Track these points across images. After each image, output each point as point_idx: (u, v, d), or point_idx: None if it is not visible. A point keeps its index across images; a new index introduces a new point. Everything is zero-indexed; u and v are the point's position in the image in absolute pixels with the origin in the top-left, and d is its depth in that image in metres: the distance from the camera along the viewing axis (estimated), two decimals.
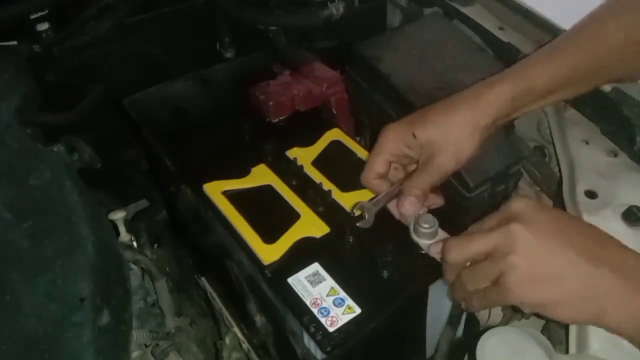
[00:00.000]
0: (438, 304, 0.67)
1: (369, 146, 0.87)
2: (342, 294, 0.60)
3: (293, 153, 0.77)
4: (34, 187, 0.73)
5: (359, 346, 0.58)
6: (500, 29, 0.87)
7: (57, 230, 0.69)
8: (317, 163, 0.76)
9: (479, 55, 0.84)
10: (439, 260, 0.56)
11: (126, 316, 0.70)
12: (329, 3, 0.92)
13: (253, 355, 0.87)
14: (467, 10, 0.90)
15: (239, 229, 0.67)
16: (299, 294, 0.60)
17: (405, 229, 0.62)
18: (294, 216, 0.68)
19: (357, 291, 0.60)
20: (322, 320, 0.57)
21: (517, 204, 0.51)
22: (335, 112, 0.86)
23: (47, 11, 0.94)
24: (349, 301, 0.59)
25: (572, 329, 0.56)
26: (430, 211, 0.62)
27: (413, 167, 0.66)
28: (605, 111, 0.71)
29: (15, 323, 0.60)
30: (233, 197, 0.71)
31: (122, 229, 0.92)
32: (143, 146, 0.93)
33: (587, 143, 0.72)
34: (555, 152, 0.75)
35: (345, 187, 0.72)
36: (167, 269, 0.96)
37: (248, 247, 0.65)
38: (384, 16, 1.08)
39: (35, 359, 0.59)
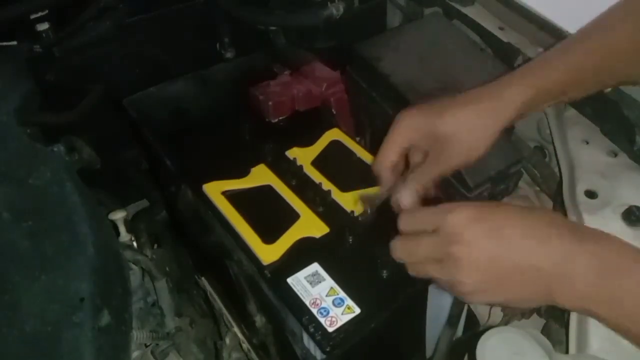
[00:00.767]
0: (438, 304, 0.67)
1: (369, 146, 0.87)
2: (342, 294, 0.60)
3: (293, 153, 0.77)
4: (34, 187, 0.73)
5: (359, 346, 0.58)
6: (500, 29, 0.87)
7: (57, 230, 0.69)
8: (317, 163, 0.76)
9: (479, 55, 0.84)
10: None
11: (126, 316, 0.70)
12: (329, 3, 0.92)
13: (253, 355, 0.87)
14: (467, 10, 0.90)
15: (238, 229, 0.67)
16: (298, 294, 0.60)
17: None
18: (293, 216, 0.68)
19: (356, 291, 0.60)
20: (322, 320, 0.57)
21: (453, 220, 0.50)
22: (335, 112, 0.86)
23: (47, 11, 0.94)
24: (349, 301, 0.59)
25: (572, 329, 0.56)
26: None
27: (416, 158, 0.64)
28: (605, 111, 0.71)
29: (15, 323, 0.60)
30: (233, 197, 0.71)
31: (122, 229, 0.92)
32: (143, 146, 0.93)
33: (587, 143, 0.72)
34: (555, 152, 0.76)
35: (344, 187, 0.72)
36: (167, 269, 0.96)
37: (248, 247, 0.65)
38: (384, 16, 1.08)
39: (35, 359, 0.59)
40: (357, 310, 0.58)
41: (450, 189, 0.72)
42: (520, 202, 0.84)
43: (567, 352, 0.57)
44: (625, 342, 0.49)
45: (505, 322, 0.78)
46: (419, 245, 0.52)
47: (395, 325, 0.64)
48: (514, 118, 0.60)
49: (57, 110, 0.91)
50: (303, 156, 0.76)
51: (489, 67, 0.82)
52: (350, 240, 0.66)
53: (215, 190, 0.71)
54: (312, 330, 0.57)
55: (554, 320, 0.71)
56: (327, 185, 0.72)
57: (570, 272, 0.46)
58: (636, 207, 0.62)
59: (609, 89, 0.69)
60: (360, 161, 0.76)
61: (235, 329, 0.89)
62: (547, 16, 0.83)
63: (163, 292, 0.91)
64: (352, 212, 0.69)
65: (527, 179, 0.84)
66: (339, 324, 0.57)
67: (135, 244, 0.95)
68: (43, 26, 0.93)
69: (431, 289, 0.64)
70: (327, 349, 0.56)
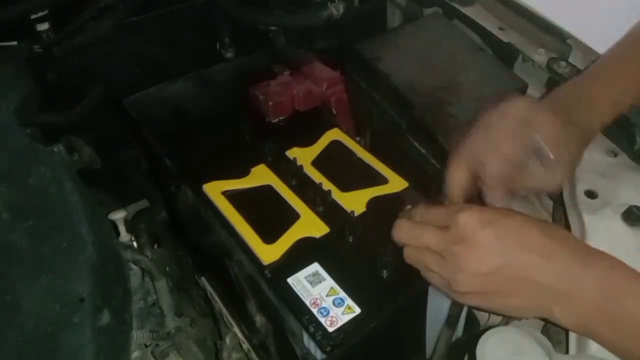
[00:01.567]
0: (438, 304, 0.67)
1: (369, 146, 0.87)
2: (342, 294, 0.60)
3: (293, 153, 0.77)
4: (34, 187, 0.73)
5: (359, 346, 0.58)
6: (500, 29, 0.87)
7: (57, 230, 0.69)
8: (317, 163, 0.76)
9: (479, 55, 0.84)
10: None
11: (126, 316, 0.70)
12: (329, 3, 0.92)
13: (253, 355, 0.87)
14: (467, 10, 0.90)
15: (238, 229, 0.67)
16: (298, 294, 0.60)
17: None
18: (293, 216, 0.68)
19: (356, 291, 0.60)
20: (322, 320, 0.57)
21: (465, 219, 0.49)
22: (335, 112, 0.86)
23: (47, 11, 0.94)
24: (349, 301, 0.59)
25: None
26: None
27: None
28: None
29: (15, 323, 0.60)
30: (233, 197, 0.71)
31: (122, 229, 0.92)
32: (143, 146, 0.93)
33: None
34: None
35: (344, 187, 0.72)
36: (167, 269, 0.96)
37: (248, 247, 0.65)
38: (384, 16, 1.08)
39: (35, 359, 0.59)
40: (357, 310, 0.58)
41: None
42: (520, 202, 0.84)
43: (567, 352, 0.57)
44: None
45: (505, 322, 0.78)
46: (425, 232, 0.51)
47: (395, 325, 0.64)
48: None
49: (57, 110, 0.91)
50: (303, 156, 0.76)
51: (489, 67, 0.82)
52: (350, 240, 0.66)
53: (215, 190, 0.71)
54: (312, 330, 0.57)
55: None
56: (327, 185, 0.72)
57: (573, 294, 0.46)
58: (636, 207, 0.62)
59: None
60: (360, 161, 0.76)
61: (235, 329, 0.89)
62: (547, 16, 0.83)
63: (163, 292, 0.91)
64: (352, 212, 0.69)
65: None
66: (339, 324, 0.57)
67: (135, 244, 0.95)
68: (43, 26, 0.93)
69: (431, 289, 0.64)
70: (327, 349, 0.56)
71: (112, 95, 0.91)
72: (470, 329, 0.78)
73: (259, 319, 0.75)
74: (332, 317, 0.58)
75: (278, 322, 0.67)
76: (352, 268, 0.63)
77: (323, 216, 0.68)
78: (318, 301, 0.59)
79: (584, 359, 0.54)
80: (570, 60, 0.79)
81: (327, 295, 0.59)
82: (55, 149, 0.82)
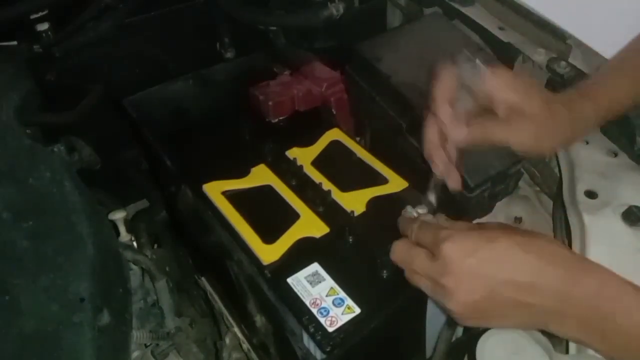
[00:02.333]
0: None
1: (369, 146, 0.87)
2: (342, 294, 0.60)
3: (293, 153, 0.77)
4: (34, 187, 0.72)
5: (359, 346, 0.58)
6: (500, 29, 0.87)
7: (57, 230, 0.68)
8: (317, 163, 0.76)
9: (479, 55, 0.84)
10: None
11: (126, 316, 0.70)
12: (329, 3, 0.92)
13: (253, 355, 0.87)
14: (467, 10, 0.90)
15: (238, 229, 0.67)
16: (298, 294, 0.60)
17: None
18: (293, 216, 0.68)
19: (356, 291, 0.60)
20: (322, 320, 0.57)
21: (449, 250, 0.49)
22: (335, 112, 0.86)
23: (47, 11, 0.94)
24: (349, 301, 0.59)
25: None
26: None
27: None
28: None
29: (15, 323, 0.60)
30: (233, 197, 0.71)
31: (122, 229, 0.92)
32: (143, 146, 0.93)
33: (587, 143, 0.72)
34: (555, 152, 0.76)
35: (344, 187, 0.72)
36: (167, 269, 0.96)
37: (248, 247, 0.65)
38: (384, 16, 1.08)
39: (35, 359, 0.59)
40: (357, 310, 0.58)
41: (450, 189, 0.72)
42: (521, 202, 0.84)
43: (567, 352, 0.57)
44: None
45: None
46: (416, 258, 0.52)
47: (395, 325, 0.64)
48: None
49: (57, 110, 0.91)
50: (303, 156, 0.76)
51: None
52: (350, 240, 0.66)
53: (215, 190, 0.71)
54: (312, 330, 0.57)
55: None
56: (327, 185, 0.72)
57: (564, 312, 0.46)
58: (636, 207, 0.62)
59: None
60: (360, 161, 0.76)
61: (235, 329, 0.89)
62: (547, 16, 0.83)
63: (163, 292, 0.91)
64: (352, 212, 0.69)
65: (527, 179, 0.84)
66: (339, 324, 0.57)
67: (135, 244, 0.95)
68: (43, 26, 0.93)
69: None
70: (327, 349, 0.56)
71: (112, 95, 0.91)
72: (470, 329, 0.78)
73: (259, 319, 0.75)
74: (332, 317, 0.58)
75: (278, 322, 0.67)
76: (352, 268, 0.63)
77: (323, 216, 0.68)
78: (318, 301, 0.59)
79: (584, 359, 0.54)
80: (570, 60, 0.79)
81: (327, 295, 0.59)
82: (55, 149, 0.82)
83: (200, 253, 0.95)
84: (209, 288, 0.95)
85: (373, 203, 0.70)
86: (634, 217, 0.61)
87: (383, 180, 0.73)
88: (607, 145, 0.71)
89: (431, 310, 0.67)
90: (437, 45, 0.85)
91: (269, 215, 0.69)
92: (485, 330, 0.53)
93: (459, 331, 0.73)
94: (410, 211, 0.59)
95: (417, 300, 0.65)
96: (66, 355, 0.59)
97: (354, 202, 0.70)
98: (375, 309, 0.59)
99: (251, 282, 0.70)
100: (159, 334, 0.87)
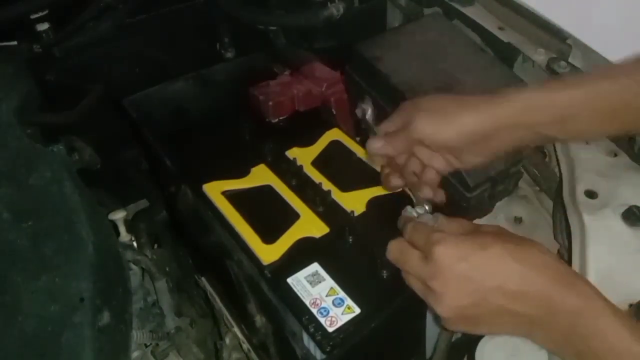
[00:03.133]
0: None
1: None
2: (342, 294, 0.60)
3: (293, 153, 0.77)
4: (34, 187, 0.72)
5: (359, 346, 0.58)
6: (500, 29, 0.87)
7: (57, 230, 0.68)
8: (317, 163, 0.76)
9: (479, 55, 0.84)
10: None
11: (126, 316, 0.70)
12: (329, 3, 0.92)
13: (253, 355, 0.87)
14: (467, 10, 0.90)
15: (238, 229, 0.67)
16: (298, 294, 0.60)
17: None
18: (293, 216, 0.68)
19: (356, 291, 0.60)
20: (322, 320, 0.57)
21: (439, 254, 0.49)
22: (335, 112, 0.86)
23: (47, 11, 0.94)
24: (349, 301, 0.59)
25: None
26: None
27: None
28: None
29: (16, 323, 0.60)
30: (233, 197, 0.71)
31: (122, 229, 0.92)
32: (143, 146, 0.93)
33: (587, 143, 0.72)
34: (555, 152, 0.75)
35: (344, 187, 0.72)
36: (167, 269, 0.96)
37: (248, 247, 0.65)
38: (384, 16, 1.08)
39: (35, 359, 0.59)
40: (357, 310, 0.58)
41: (450, 189, 0.72)
42: (521, 202, 0.84)
43: None
44: None
45: None
46: (409, 259, 0.53)
47: (395, 325, 0.64)
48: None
49: (57, 110, 0.91)
50: (303, 156, 0.76)
51: (489, 67, 0.82)
52: (350, 240, 0.66)
53: (215, 190, 0.71)
54: (312, 330, 0.57)
55: None
56: (327, 185, 0.72)
57: (548, 323, 0.47)
58: (636, 207, 0.62)
59: None
60: (360, 161, 0.76)
61: (235, 329, 0.89)
62: (547, 16, 0.83)
63: (163, 292, 0.91)
64: (352, 212, 0.69)
65: (527, 179, 0.84)
66: (339, 324, 0.57)
67: (135, 244, 0.95)
68: (43, 26, 0.93)
69: None
70: (327, 349, 0.56)
71: (112, 95, 0.91)
72: None
73: (259, 319, 0.75)
74: (331, 317, 0.58)
75: (278, 322, 0.67)
76: (352, 268, 0.63)
77: (323, 216, 0.68)
78: (318, 301, 0.59)
79: None
80: (570, 60, 0.79)
81: (326, 295, 0.59)
82: (55, 149, 0.82)
83: (200, 253, 0.95)
84: (209, 288, 0.95)
85: (373, 203, 0.70)
86: (634, 217, 0.61)
87: None
88: (607, 145, 0.71)
89: (431, 310, 0.67)
90: (437, 45, 0.85)
91: (269, 215, 0.69)
92: None
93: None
94: (410, 211, 0.59)
95: (417, 300, 0.65)
96: (66, 355, 0.59)
97: (354, 202, 0.70)
98: (375, 309, 0.59)
99: (251, 282, 0.70)
100: (159, 334, 0.87)
